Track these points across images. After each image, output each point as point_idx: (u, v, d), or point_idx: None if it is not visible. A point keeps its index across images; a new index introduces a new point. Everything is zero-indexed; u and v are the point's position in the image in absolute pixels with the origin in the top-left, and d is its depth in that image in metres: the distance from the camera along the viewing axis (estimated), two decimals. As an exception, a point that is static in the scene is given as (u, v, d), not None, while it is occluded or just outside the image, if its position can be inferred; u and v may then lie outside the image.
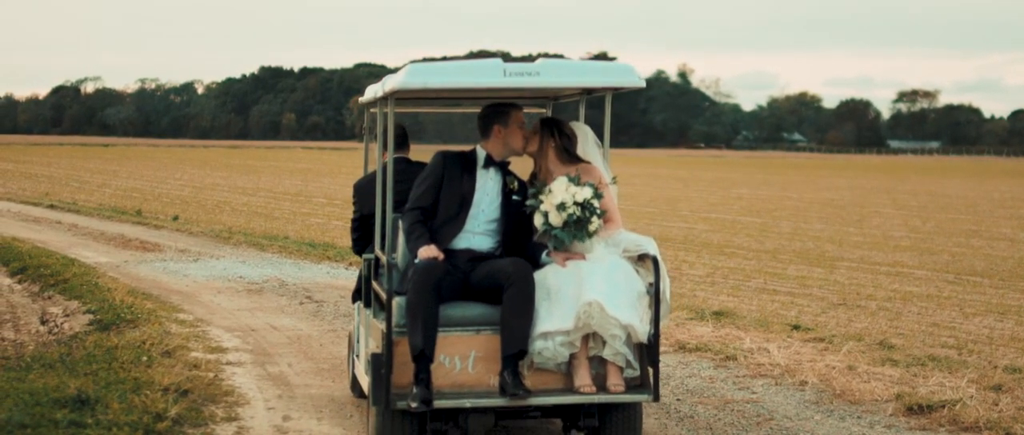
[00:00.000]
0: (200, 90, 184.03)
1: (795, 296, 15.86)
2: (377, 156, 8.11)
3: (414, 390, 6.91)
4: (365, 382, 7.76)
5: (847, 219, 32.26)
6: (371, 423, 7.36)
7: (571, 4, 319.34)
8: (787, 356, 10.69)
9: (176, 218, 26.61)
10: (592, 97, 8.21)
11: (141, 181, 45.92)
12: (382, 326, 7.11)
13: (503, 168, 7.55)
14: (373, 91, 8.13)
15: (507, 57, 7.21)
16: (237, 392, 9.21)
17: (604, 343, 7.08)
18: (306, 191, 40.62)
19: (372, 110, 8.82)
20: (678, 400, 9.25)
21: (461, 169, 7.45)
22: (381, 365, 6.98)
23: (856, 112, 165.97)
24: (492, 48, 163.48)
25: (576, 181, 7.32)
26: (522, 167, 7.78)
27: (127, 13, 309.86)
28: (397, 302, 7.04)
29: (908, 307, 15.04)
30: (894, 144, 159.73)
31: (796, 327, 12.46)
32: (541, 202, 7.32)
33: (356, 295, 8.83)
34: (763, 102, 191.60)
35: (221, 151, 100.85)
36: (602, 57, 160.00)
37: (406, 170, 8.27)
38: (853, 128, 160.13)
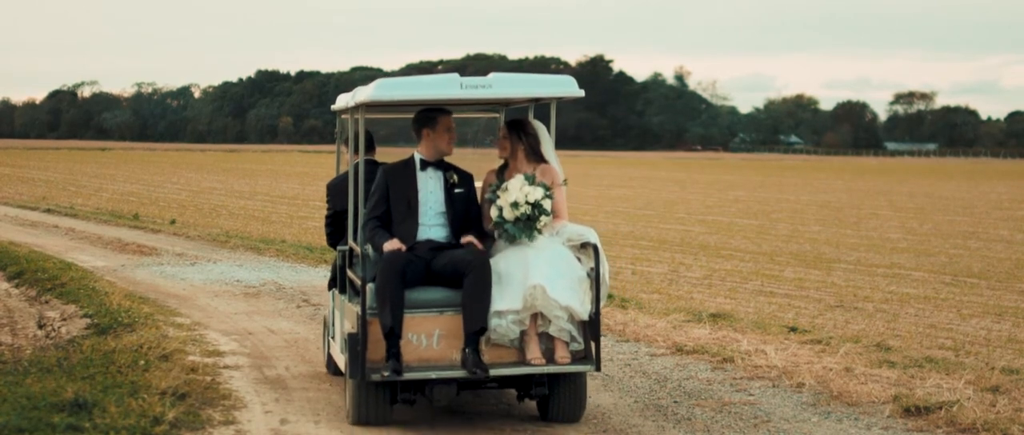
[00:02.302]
0: (197, 94, 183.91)
1: (792, 298, 15.87)
2: (349, 158, 9.07)
3: (387, 363, 7.96)
4: (341, 360, 8.83)
5: (844, 221, 32.29)
6: (348, 395, 8.37)
7: (568, 7, 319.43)
8: (784, 358, 10.69)
9: (173, 222, 26.60)
10: (539, 104, 9.18)
11: (138, 185, 45.91)
12: (357, 309, 8.15)
13: (442, 166, 8.55)
14: (344, 100, 9.17)
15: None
16: (234, 395, 9.21)
17: (550, 321, 8.09)
18: (303, 195, 40.61)
19: (343, 117, 9.82)
20: (676, 402, 9.26)
21: (402, 177, 8.50)
22: (357, 343, 8.03)
23: (853, 114, 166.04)
24: (489, 51, 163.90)
25: (531, 180, 8.30)
26: (473, 163, 8.81)
27: (124, 17, 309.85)
28: (370, 288, 8.10)
29: (905, 309, 15.05)
30: (891, 146, 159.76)
31: (793, 329, 12.46)
32: (498, 197, 8.30)
33: (331, 283, 9.77)
34: (760, 104, 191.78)
35: (218, 155, 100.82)
36: (599, 60, 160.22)
37: (374, 171, 8.99)
38: (850, 130, 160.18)
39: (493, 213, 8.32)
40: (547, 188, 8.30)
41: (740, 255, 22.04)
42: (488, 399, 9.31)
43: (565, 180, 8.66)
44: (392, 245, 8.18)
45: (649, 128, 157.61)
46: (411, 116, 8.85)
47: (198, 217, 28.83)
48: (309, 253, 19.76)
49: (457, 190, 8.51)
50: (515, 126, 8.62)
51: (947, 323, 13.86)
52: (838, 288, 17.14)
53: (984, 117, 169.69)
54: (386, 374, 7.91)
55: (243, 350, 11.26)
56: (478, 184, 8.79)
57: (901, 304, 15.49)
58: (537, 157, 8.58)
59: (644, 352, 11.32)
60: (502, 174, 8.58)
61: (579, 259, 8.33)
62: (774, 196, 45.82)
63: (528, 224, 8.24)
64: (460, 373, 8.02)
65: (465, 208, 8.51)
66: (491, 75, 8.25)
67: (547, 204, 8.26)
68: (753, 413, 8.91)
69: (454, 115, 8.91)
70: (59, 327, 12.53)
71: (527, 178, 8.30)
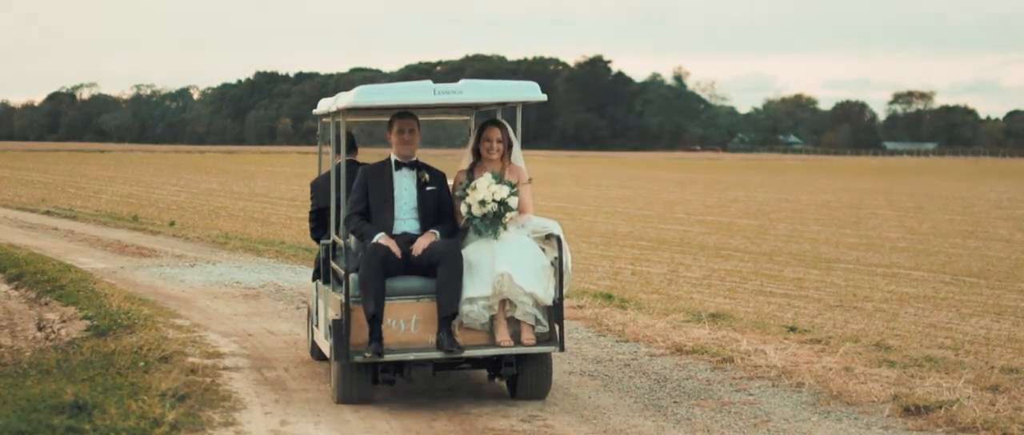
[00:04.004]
0: (196, 96, 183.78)
1: (792, 298, 15.88)
2: (331, 158, 9.87)
3: (370, 346, 8.72)
4: (325, 346, 9.60)
5: (843, 221, 32.30)
6: (333, 376, 9.10)
7: (567, 7, 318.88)
8: (784, 358, 10.69)
9: (172, 224, 26.60)
10: (505, 108, 10.01)
11: (137, 187, 45.92)
12: (341, 297, 8.93)
13: (416, 166, 9.35)
14: (326, 105, 10.04)
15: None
16: (234, 397, 9.21)
17: (517, 306, 8.85)
18: (302, 196, 40.59)
19: (325, 120, 10.55)
20: (676, 402, 9.26)
21: (379, 175, 9.32)
22: (341, 328, 8.80)
23: (852, 114, 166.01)
24: (487, 52, 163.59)
25: (499, 179, 9.08)
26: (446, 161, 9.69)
27: (123, 19, 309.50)
28: (352, 277, 8.87)
29: (905, 308, 15.06)
30: (890, 146, 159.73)
31: (793, 329, 12.46)
32: (467, 195, 9.07)
33: (315, 275, 10.46)
34: (759, 104, 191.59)
35: (217, 156, 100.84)
36: (598, 60, 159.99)
37: (355, 170, 9.69)
38: (849, 130, 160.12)
39: (463, 210, 9.12)
40: (512, 186, 9.08)
41: (739, 255, 22.05)
42: (461, 379, 10.05)
43: (530, 179, 9.45)
44: (384, 239, 8.98)
45: (648, 128, 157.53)
46: (384, 119, 9.64)
47: (197, 219, 28.83)
48: (308, 254, 19.76)
49: (429, 188, 9.32)
50: (505, 128, 9.40)
51: (946, 322, 13.87)
52: (837, 288, 17.15)
53: (983, 116, 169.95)
54: (368, 355, 8.69)
55: (243, 351, 11.27)
56: (450, 182, 9.51)
57: (900, 303, 15.50)
58: (510, 157, 9.41)
59: (644, 352, 11.33)
60: (471, 173, 9.33)
61: (543, 249, 9.09)
62: (773, 196, 45.83)
63: (495, 220, 9.03)
64: (435, 354, 8.81)
65: (436, 204, 9.32)
66: (462, 82, 9.14)
67: (512, 201, 9.04)
68: (753, 413, 8.92)
69: (433, 118, 10.03)
70: (59, 329, 12.53)
71: (494, 176, 9.10)
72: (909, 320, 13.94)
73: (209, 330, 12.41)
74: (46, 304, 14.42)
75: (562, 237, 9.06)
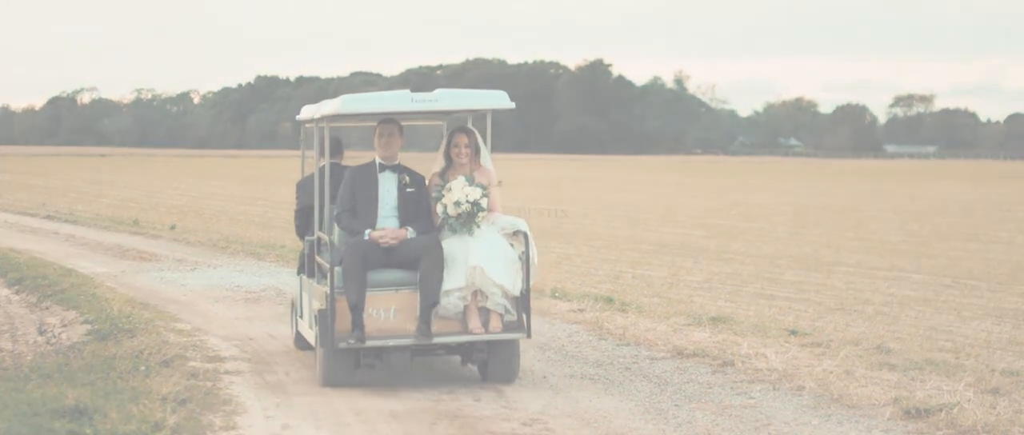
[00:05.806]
0: (196, 100, 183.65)
1: (792, 301, 15.88)
2: (315, 161, 10.77)
3: (352, 333, 9.47)
4: (310, 335, 10.47)
5: (844, 224, 32.30)
6: (318, 362, 9.85)
7: (567, 11, 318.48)
8: (784, 361, 10.69)
9: (173, 227, 26.62)
10: (476, 115, 10.72)
11: (138, 191, 45.93)
12: (326, 289, 9.66)
13: (398, 169, 10.09)
14: (309, 112, 10.88)
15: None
16: (235, 401, 9.22)
17: (488, 296, 9.61)
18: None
19: (308, 125, 11.37)
20: (676, 405, 9.26)
21: (365, 177, 10.07)
22: (326, 317, 9.54)
23: (852, 117, 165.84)
24: (488, 56, 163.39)
25: (471, 181, 9.80)
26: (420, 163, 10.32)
27: (123, 23, 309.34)
28: (336, 270, 9.62)
29: (905, 311, 15.06)
30: (891, 149, 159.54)
31: (793, 332, 12.46)
32: (443, 196, 9.77)
33: (300, 269, 11.17)
34: (759, 107, 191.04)
35: (218, 160, 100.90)
36: (598, 64, 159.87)
37: (339, 173, 10.41)
38: (850, 133, 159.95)
39: (439, 209, 9.83)
40: (484, 188, 9.77)
41: (740, 258, 22.05)
42: (437, 365, 10.69)
43: (500, 181, 10.15)
44: (378, 233, 9.74)
45: (649, 132, 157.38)
46: (368, 124, 10.39)
47: (198, 222, 28.84)
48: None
49: (408, 189, 10.06)
50: (472, 134, 10.13)
51: (947, 325, 13.87)
52: (838, 291, 17.15)
53: (984, 119, 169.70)
54: (351, 342, 9.46)
55: (244, 355, 11.27)
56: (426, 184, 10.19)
57: (901, 306, 15.50)
58: (479, 161, 10.12)
59: (645, 355, 11.33)
60: (444, 176, 10.02)
61: (512, 245, 9.83)
62: (774, 199, 45.83)
63: (468, 219, 9.72)
64: (413, 341, 9.59)
65: (415, 204, 10.05)
66: (437, 91, 9.93)
67: (484, 202, 9.74)
68: (754, 416, 8.92)
69: (409, 123, 10.73)
70: (60, 333, 12.54)
71: (467, 179, 9.80)
72: (910, 323, 13.94)
73: (210, 334, 12.41)
74: (47, 308, 14.43)
75: (529, 233, 9.85)
